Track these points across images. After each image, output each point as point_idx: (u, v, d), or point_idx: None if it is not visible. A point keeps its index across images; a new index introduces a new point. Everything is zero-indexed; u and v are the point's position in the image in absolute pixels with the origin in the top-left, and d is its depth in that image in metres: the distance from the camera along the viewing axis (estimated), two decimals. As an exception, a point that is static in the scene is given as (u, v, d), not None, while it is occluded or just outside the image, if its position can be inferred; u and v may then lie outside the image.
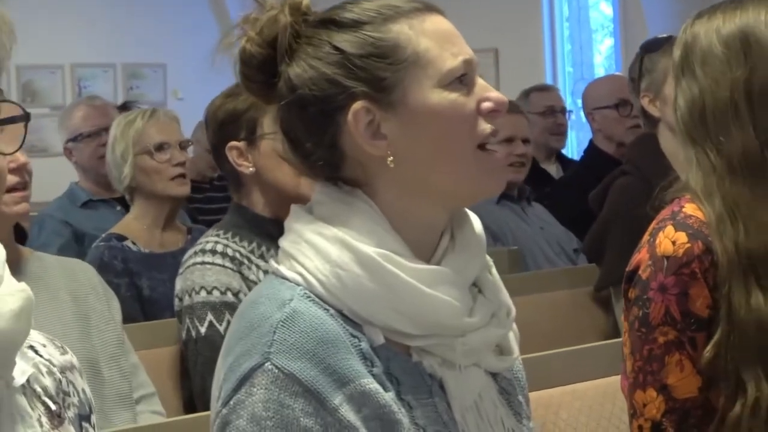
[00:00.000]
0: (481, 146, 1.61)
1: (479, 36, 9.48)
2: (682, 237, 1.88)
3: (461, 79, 1.60)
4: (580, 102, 5.71)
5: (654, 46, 3.37)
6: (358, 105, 1.58)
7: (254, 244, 2.88)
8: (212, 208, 5.53)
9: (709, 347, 1.84)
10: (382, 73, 1.58)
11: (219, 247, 2.88)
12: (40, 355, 1.39)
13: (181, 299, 2.90)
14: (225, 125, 2.90)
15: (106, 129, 4.07)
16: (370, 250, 1.55)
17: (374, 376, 1.53)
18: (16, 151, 1.35)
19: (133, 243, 3.63)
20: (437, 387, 1.60)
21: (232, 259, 2.85)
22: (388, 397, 1.53)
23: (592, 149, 5.03)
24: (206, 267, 2.85)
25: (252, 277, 2.84)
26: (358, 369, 1.51)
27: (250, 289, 2.74)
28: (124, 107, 5.00)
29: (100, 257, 3.55)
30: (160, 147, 3.72)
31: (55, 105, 9.15)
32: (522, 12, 9.50)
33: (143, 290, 3.55)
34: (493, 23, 9.36)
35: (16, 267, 2.40)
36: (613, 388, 2.21)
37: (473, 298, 1.63)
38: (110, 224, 3.87)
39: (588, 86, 5.27)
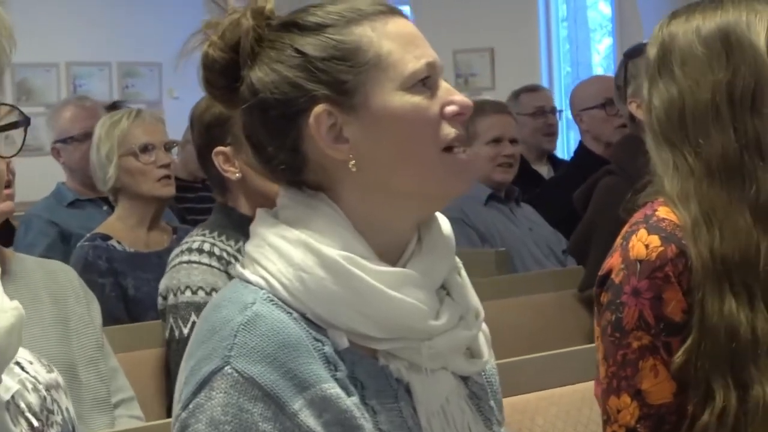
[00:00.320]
0: (447, 149, 1.59)
1: (475, 35, 9.56)
2: (655, 240, 1.86)
3: (424, 82, 1.59)
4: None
5: (636, 52, 3.38)
6: (319, 108, 1.57)
7: (240, 243, 2.85)
8: (204, 207, 5.50)
9: (679, 353, 1.83)
10: (343, 76, 1.57)
11: (206, 246, 2.86)
12: (27, 372, 1.39)
13: (165, 297, 2.88)
14: (211, 129, 2.87)
15: None
16: (333, 252, 1.54)
17: (337, 380, 1.52)
18: (16, 154, 1.35)
19: (118, 242, 3.62)
20: (403, 391, 1.58)
21: (219, 258, 2.84)
22: (351, 402, 1.51)
23: (581, 150, 5.03)
24: (192, 266, 2.83)
25: (239, 276, 2.81)
26: (320, 373, 1.50)
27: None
28: (113, 107, 4.98)
29: (84, 257, 3.54)
30: (145, 148, 3.70)
31: (50, 103, 9.10)
32: (518, 11, 9.49)
33: (128, 290, 3.54)
34: (489, 23, 9.36)
35: (-1, 268, 2.39)
36: (590, 393, 2.19)
37: (440, 300, 1.62)
38: (97, 224, 3.86)
39: (575, 88, 5.28)
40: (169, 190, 3.74)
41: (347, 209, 1.59)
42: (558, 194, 4.65)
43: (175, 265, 2.87)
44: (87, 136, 4.46)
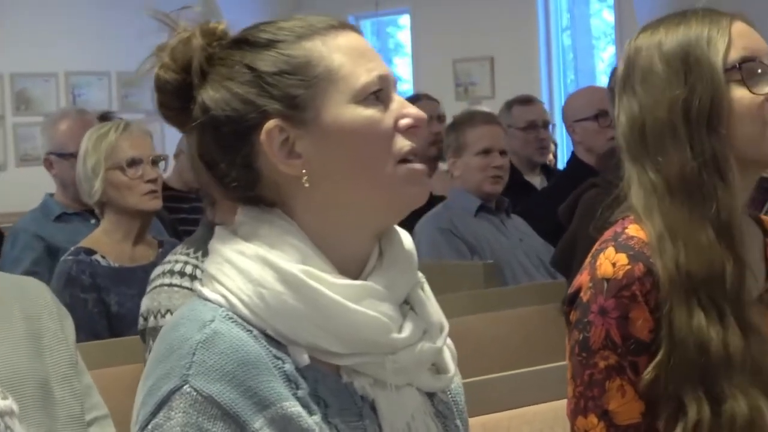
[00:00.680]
0: (402, 161, 1.58)
1: (475, 44, 9.55)
2: (622, 259, 1.85)
3: (377, 95, 1.58)
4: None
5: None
6: (271, 124, 1.55)
7: None
8: (197, 219, 5.47)
9: (649, 369, 1.81)
10: (294, 91, 1.56)
11: (188, 269, 2.84)
12: None
13: (146, 319, 2.87)
14: None
15: None
16: (292, 267, 1.53)
17: (298, 398, 1.50)
18: None
19: (103, 257, 3.60)
20: (368, 409, 1.57)
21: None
22: (312, 420, 1.50)
23: (573, 161, 5.01)
24: (174, 290, 2.81)
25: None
26: (280, 391, 1.49)
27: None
28: (104, 118, 4.96)
29: (68, 271, 3.53)
30: (132, 162, 3.69)
31: (48, 113, 9.14)
32: (518, 20, 9.51)
33: (111, 306, 3.53)
34: (489, 32, 9.37)
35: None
36: (563, 412, 2.18)
37: (403, 315, 1.60)
38: (84, 237, 3.84)
39: (567, 99, 5.26)
40: (155, 204, 3.72)
41: (303, 224, 1.57)
42: (549, 205, 4.61)
43: (156, 287, 2.86)
44: None
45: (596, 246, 1.92)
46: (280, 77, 1.56)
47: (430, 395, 1.67)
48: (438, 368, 1.66)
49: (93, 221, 4.27)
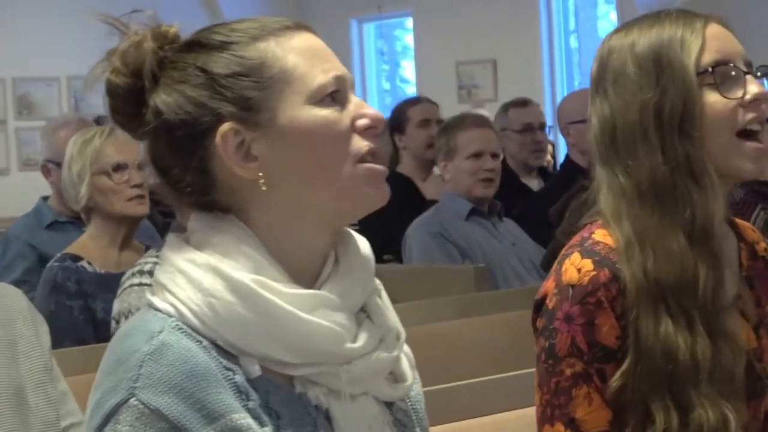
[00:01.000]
0: (361, 161, 1.56)
1: (478, 47, 9.54)
2: (587, 264, 1.82)
3: (333, 96, 1.56)
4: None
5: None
6: (225, 126, 1.53)
7: None
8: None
9: (616, 376, 1.79)
10: (248, 93, 1.54)
11: None
12: None
13: (118, 322, 2.85)
14: None
15: None
16: (243, 276, 1.50)
17: (249, 410, 1.48)
18: None
19: (89, 263, 3.58)
20: (323, 419, 1.54)
21: None
22: None
23: (567, 163, 4.99)
24: (143, 288, 2.80)
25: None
26: (230, 403, 1.46)
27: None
28: (98, 122, 4.94)
29: (53, 278, 3.51)
30: (118, 167, 3.67)
31: (50, 118, 9.15)
32: (520, 23, 9.50)
33: (97, 312, 3.50)
34: (491, 34, 9.36)
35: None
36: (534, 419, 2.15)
37: (359, 323, 1.58)
38: (76, 246, 3.83)
39: (562, 102, 5.24)
40: (141, 209, 3.70)
41: (259, 230, 1.55)
42: (543, 208, 4.59)
43: (126, 288, 2.84)
44: None
45: (563, 251, 1.89)
46: (233, 79, 1.54)
47: (389, 404, 1.64)
48: (396, 377, 1.64)
49: (85, 229, 4.25)
